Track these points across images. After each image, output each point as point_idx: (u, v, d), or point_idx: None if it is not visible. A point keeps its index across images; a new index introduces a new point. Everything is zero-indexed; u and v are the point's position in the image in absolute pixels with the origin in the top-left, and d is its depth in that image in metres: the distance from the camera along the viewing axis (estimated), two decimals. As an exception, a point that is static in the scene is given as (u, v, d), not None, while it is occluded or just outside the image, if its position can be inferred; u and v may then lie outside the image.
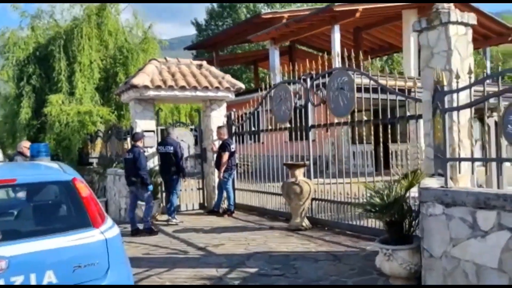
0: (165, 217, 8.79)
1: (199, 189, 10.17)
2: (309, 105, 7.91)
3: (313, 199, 7.67)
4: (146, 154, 8.14)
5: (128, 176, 7.88)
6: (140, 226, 7.83)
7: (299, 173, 7.47)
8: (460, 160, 4.35)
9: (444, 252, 3.81)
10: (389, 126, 6.59)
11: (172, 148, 8.55)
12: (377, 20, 19.42)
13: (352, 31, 20.49)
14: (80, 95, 14.02)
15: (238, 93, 10.38)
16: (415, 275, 4.40)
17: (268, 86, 9.11)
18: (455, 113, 4.46)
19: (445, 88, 3.90)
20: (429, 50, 5.04)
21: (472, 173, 4.62)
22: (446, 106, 3.92)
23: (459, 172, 4.62)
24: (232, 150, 9.13)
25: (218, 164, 9.11)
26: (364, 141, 6.82)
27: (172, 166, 8.41)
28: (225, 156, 8.92)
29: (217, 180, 9.54)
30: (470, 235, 3.57)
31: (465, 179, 4.71)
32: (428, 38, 5.03)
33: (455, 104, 4.28)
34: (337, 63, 8.79)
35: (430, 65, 5.03)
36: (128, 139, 9.93)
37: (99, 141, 12.72)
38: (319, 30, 18.62)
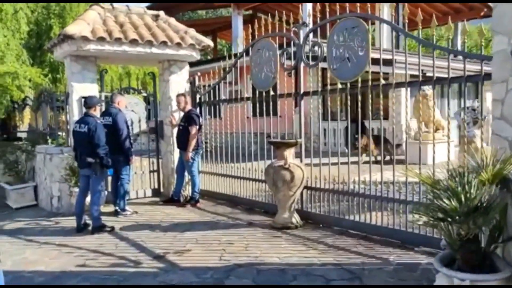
0: (110, 208, 6.89)
1: (153, 171, 8.23)
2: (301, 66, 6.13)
3: (304, 187, 5.97)
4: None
5: (80, 155, 5.88)
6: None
7: (289, 154, 5.72)
8: None
9: None
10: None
11: (110, 119, 6.61)
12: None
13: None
14: (1, 52, 11.11)
15: (199, 61, 8.42)
16: (504, 319, 2.82)
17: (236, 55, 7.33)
18: None
19: None
20: (510, -25, 3.37)
21: None
22: None
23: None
24: (201, 123, 7.34)
25: (181, 142, 7.22)
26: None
27: (114, 143, 6.37)
28: (194, 130, 7.05)
29: (176, 161, 7.66)
30: None
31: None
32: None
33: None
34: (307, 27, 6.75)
35: (511, -2, 3.37)
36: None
37: (28, 111, 10.31)
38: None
